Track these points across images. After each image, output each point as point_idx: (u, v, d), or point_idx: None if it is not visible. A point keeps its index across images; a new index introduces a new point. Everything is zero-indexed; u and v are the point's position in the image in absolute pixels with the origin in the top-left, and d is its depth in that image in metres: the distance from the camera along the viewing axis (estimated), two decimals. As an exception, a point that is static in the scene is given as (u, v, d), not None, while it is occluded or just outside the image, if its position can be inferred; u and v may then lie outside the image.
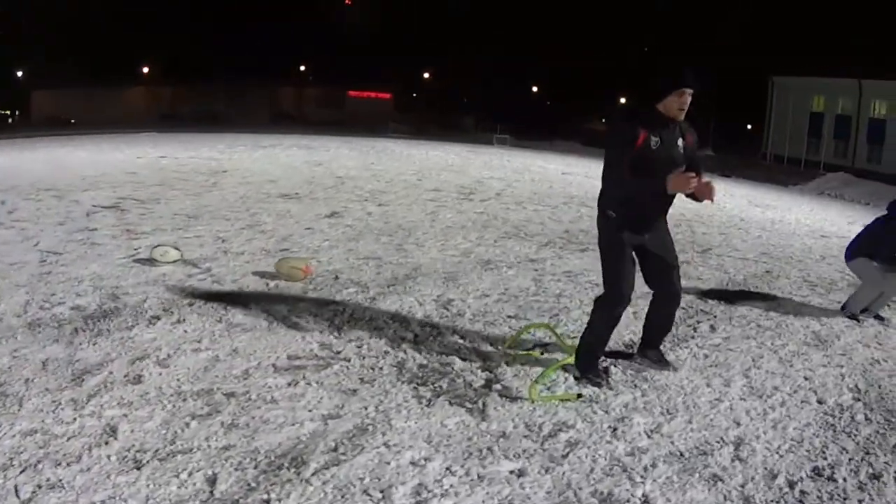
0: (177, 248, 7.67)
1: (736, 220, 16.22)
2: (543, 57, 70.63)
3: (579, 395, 4.79)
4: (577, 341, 5.39)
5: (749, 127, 59.89)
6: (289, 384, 4.62)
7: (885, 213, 7.58)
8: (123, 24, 63.75)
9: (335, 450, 3.79)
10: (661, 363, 5.56)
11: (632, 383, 5.26)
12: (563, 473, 3.81)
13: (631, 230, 4.99)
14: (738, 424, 4.71)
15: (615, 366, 5.50)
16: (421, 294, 7.16)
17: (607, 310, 5.08)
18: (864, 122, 47.60)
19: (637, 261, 5.14)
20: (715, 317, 7.31)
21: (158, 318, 5.74)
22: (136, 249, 8.00)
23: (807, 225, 17.27)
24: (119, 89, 66.48)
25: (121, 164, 17.03)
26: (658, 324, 5.51)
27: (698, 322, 7.08)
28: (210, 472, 3.48)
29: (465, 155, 29.30)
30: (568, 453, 4.02)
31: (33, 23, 58.98)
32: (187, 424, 3.94)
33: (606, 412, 4.63)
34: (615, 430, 4.38)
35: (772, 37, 55.87)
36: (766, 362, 5.98)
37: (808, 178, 40.24)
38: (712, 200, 4.85)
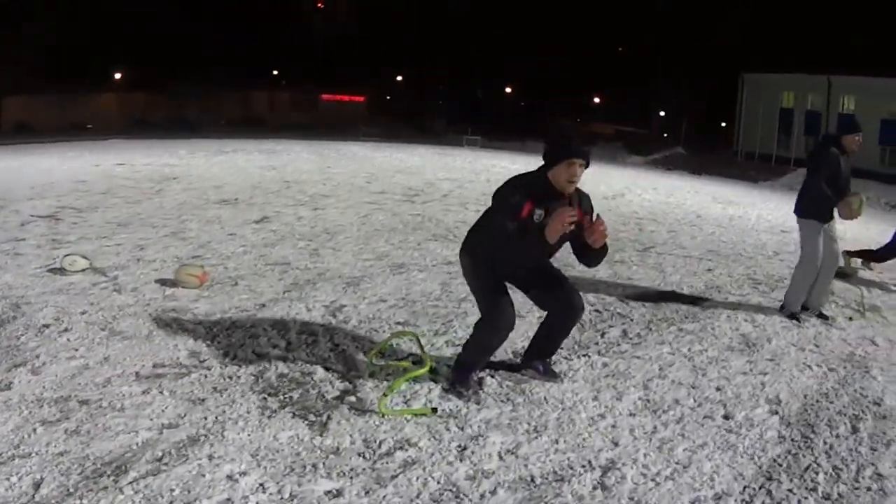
0: (85, 258, 7.46)
1: (692, 217, 15.73)
2: (516, 56, 70.03)
3: (434, 410, 4.42)
4: (449, 350, 5.21)
5: (724, 125, 59.48)
6: (143, 392, 4.49)
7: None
8: (96, 29, 62.81)
9: (160, 459, 3.69)
10: (548, 374, 5.06)
11: (504, 396, 4.77)
12: (384, 497, 3.51)
13: (501, 271, 4.71)
14: (616, 445, 4.18)
15: (493, 377, 5.02)
16: (314, 300, 6.87)
17: (486, 337, 4.71)
18: (834, 118, 47.05)
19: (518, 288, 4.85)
20: (631, 320, 6.85)
21: (48, 326, 5.60)
22: (53, 259, 7.72)
23: (767, 221, 16.89)
24: (92, 95, 65.67)
25: (75, 173, 16.46)
26: (551, 335, 5.05)
27: (609, 326, 6.60)
28: (38, 477, 3.46)
29: (429, 157, 28.85)
30: (398, 474, 3.71)
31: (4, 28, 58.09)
32: (34, 430, 3.90)
33: (461, 429, 4.27)
34: (464, 449, 4.01)
35: (741, 33, 55.63)
36: (674, 371, 5.48)
37: (779, 175, 39.95)
38: (597, 245, 4.51)
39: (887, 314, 7.88)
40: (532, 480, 3.71)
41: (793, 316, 7.25)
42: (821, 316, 7.38)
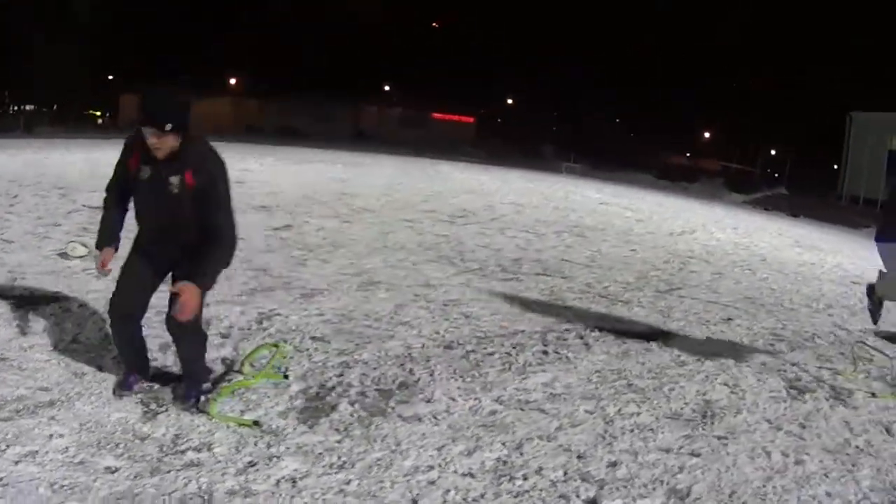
0: (85, 245, 8.03)
1: (755, 260, 14.76)
2: (628, 87, 68.86)
3: (257, 423, 4.32)
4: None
5: (836, 167, 56.92)
6: (46, 360, 5.04)
7: None
8: (213, 36, 64.67)
9: (18, 411, 4.22)
10: (181, 402, 4.49)
11: (346, 425, 4.67)
12: (144, 486, 3.68)
13: (148, 249, 4.47)
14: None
15: (353, 403, 4.99)
16: (254, 306, 6.94)
17: (111, 320, 4.52)
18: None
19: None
20: (575, 367, 6.21)
21: (25, 297, 6.32)
22: (66, 245, 8.35)
23: (844, 270, 15.61)
24: (206, 99, 67.60)
25: None
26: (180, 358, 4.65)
27: (541, 371, 6.01)
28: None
29: (514, 180, 28.55)
30: (172, 470, 3.86)
31: (126, 30, 60.43)
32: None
33: (268, 447, 4.21)
34: (251, 465, 3.97)
35: (849, 71, 53.17)
36: (573, 433, 4.81)
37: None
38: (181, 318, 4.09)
39: None
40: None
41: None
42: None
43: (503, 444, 4.56)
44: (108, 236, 4.40)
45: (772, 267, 14.32)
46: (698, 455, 4.64)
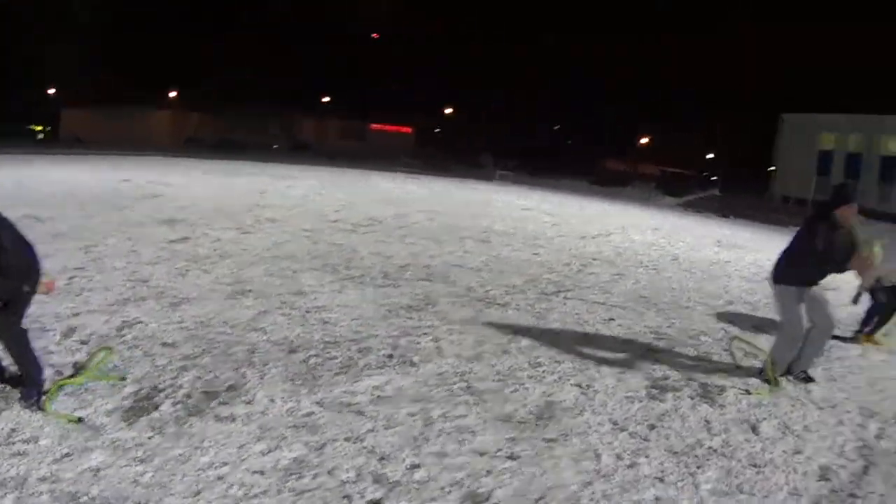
0: None
1: (664, 260, 14.69)
2: (566, 95, 69.21)
3: (80, 419, 4.57)
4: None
5: (771, 169, 57.58)
6: None
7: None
8: (153, 48, 64.28)
9: None
10: (24, 400, 4.80)
11: (170, 423, 4.79)
12: None
13: None
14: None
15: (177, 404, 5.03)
16: (118, 315, 6.95)
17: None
18: (877, 161, 44.83)
19: None
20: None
21: None
22: None
23: (760, 266, 15.48)
24: (147, 111, 67.27)
25: (72, 185, 17.38)
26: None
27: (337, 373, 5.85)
28: None
29: (439, 189, 28.50)
30: None
31: (66, 43, 59.75)
32: None
33: (86, 441, 4.38)
34: (60, 458, 4.15)
35: (781, 73, 54.04)
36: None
37: (816, 219, 37.65)
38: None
39: (815, 389, 6.64)
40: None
41: (768, 380, 6.63)
42: (805, 378, 6.77)
43: (306, 444, 4.55)
44: None
45: (681, 266, 14.33)
46: (516, 458, 4.55)
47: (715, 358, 7.48)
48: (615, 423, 5.35)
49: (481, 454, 4.54)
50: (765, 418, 5.87)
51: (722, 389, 6.42)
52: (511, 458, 4.54)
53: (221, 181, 22.62)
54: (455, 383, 5.82)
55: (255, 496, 3.89)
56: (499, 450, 4.64)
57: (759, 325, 9.24)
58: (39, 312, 5.53)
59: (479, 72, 73.26)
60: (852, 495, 4.57)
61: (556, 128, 78.04)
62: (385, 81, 73.22)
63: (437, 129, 79.64)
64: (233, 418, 4.79)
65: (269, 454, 4.35)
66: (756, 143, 57.19)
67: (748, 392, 6.47)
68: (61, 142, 53.80)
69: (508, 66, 72.92)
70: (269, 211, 15.82)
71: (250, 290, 8.37)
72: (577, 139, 77.13)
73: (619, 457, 4.75)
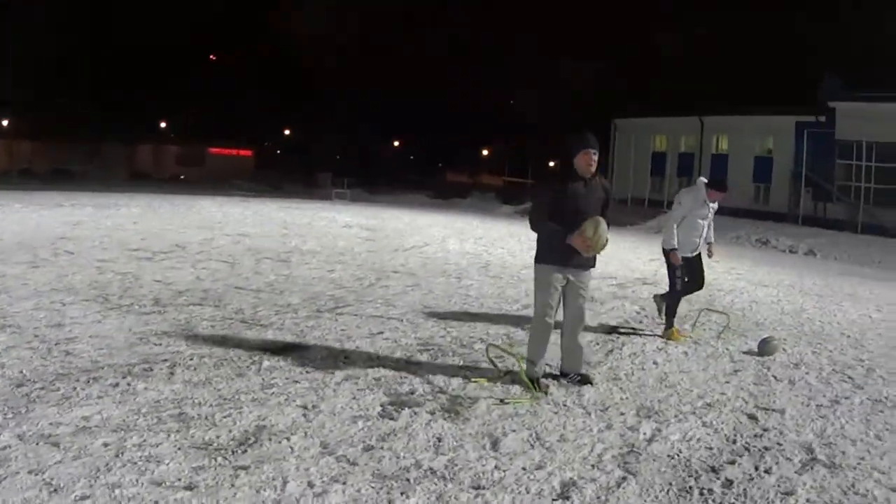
0: None
1: (475, 267, 14.57)
2: (405, 108, 69.48)
3: None
4: None
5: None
6: None
7: None
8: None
9: None
10: None
11: None
12: None
13: None
14: None
15: None
16: None
17: None
18: (707, 159, 46.74)
19: None
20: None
21: None
22: None
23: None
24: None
25: None
26: None
27: None
28: None
29: (262, 212, 27.28)
30: None
31: None
32: None
33: None
34: None
35: (612, 80, 56.11)
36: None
37: (648, 217, 38.81)
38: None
39: (589, 392, 6.35)
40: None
41: (534, 383, 6.05)
42: (581, 379, 6.38)
43: None
44: None
45: (489, 273, 14.02)
46: (193, 488, 4.11)
47: (484, 366, 6.88)
48: (325, 447, 4.80)
49: (158, 484, 4.13)
50: (514, 430, 5.27)
51: (474, 401, 5.82)
52: (188, 488, 4.11)
53: (38, 214, 20.88)
54: (167, 410, 5.29)
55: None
56: (178, 479, 4.21)
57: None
58: None
59: (319, 91, 72.80)
60: (594, 513, 3.99)
61: (395, 144, 78.04)
62: (223, 104, 71.87)
63: (278, 151, 78.64)
64: None
65: None
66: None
67: (503, 401, 5.85)
68: None
69: (349, 82, 72.70)
70: (73, 243, 14.55)
71: (9, 326, 7.60)
72: (422, 154, 77.44)
73: (310, 484, 4.23)
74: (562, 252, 6.02)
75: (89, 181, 46.10)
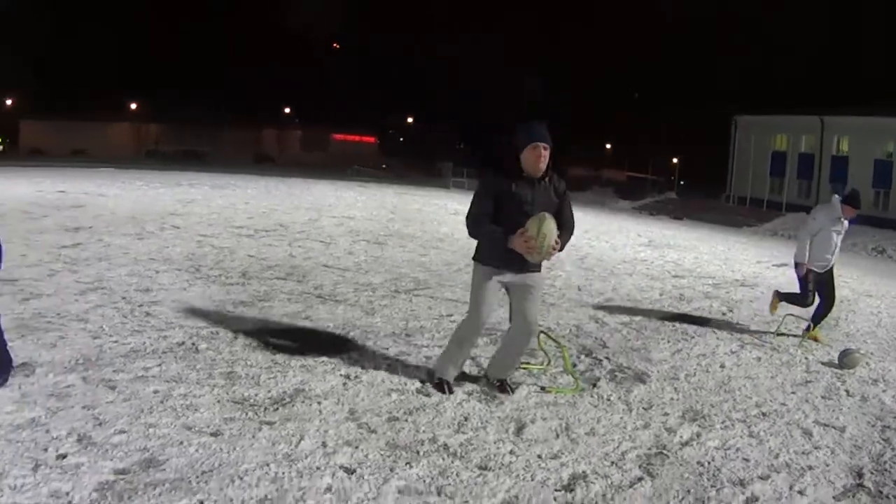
0: None
1: (571, 259, 14.28)
2: (533, 101, 69.18)
3: None
4: None
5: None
6: None
7: None
8: (113, 60, 64.05)
9: None
10: None
11: None
12: None
13: None
14: None
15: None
16: None
17: None
18: (828, 161, 44.84)
19: None
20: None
21: None
22: None
23: (678, 265, 15.72)
24: (107, 123, 66.96)
25: (2, 198, 16.71)
26: None
27: None
28: None
29: (376, 197, 27.94)
30: None
31: (23, 52, 59.53)
32: None
33: None
34: None
35: (734, 76, 54.43)
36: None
37: (767, 219, 37.60)
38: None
39: (637, 390, 6.25)
40: None
41: (439, 384, 5.57)
42: (501, 387, 5.66)
43: (47, 408, 4.70)
44: None
45: (583, 264, 14.02)
46: (217, 435, 4.51)
47: (538, 355, 6.83)
48: (352, 413, 5.00)
49: (188, 428, 4.50)
50: (544, 418, 5.23)
51: (516, 386, 5.82)
52: (213, 434, 4.45)
53: (156, 192, 21.99)
54: (219, 368, 5.70)
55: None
56: (207, 426, 4.55)
57: (629, 322, 9.02)
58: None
59: (443, 79, 73.10)
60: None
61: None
62: (348, 89, 72.92)
63: (401, 139, 79.40)
64: (4, 386, 4.89)
65: (12, 413, 4.47)
66: (714, 145, 57.14)
67: (544, 389, 5.86)
68: (20, 154, 53.25)
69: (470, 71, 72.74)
70: (180, 219, 15.31)
71: (102, 288, 8.19)
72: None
73: (323, 444, 4.46)
74: (501, 254, 5.19)
75: (214, 163, 48.17)
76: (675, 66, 63.29)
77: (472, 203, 5.26)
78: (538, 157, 5.09)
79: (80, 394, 4.88)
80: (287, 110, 76.16)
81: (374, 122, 73.57)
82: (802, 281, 8.80)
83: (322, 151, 72.51)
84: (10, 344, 5.38)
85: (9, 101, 65.11)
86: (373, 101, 71.08)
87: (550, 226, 5.01)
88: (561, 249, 5.19)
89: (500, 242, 5.10)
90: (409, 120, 77.78)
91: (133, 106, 69.82)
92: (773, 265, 17.79)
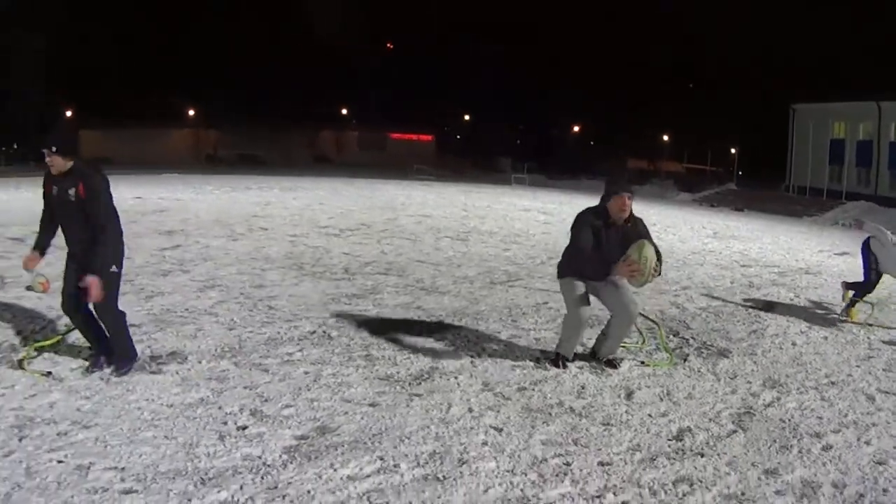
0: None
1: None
2: (586, 94, 69.12)
3: (48, 373, 5.30)
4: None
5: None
6: None
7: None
8: (169, 67, 64.87)
9: None
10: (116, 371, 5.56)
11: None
12: None
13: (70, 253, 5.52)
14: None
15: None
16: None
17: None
18: (886, 147, 44.30)
19: None
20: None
21: None
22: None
23: (744, 255, 16.31)
24: (166, 130, 67.86)
25: None
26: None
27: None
28: None
29: (444, 195, 28.85)
30: None
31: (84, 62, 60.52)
32: None
33: (32, 394, 5.04)
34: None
35: (789, 64, 53.51)
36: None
37: (827, 209, 37.49)
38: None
39: (723, 362, 7.00)
40: None
41: (557, 360, 6.43)
42: (609, 363, 6.47)
43: (211, 389, 5.39)
44: (34, 245, 5.41)
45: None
46: (375, 405, 5.27)
47: (635, 335, 7.66)
48: (486, 384, 5.83)
49: (347, 401, 5.22)
50: (648, 386, 6.12)
51: (619, 361, 6.71)
52: (371, 405, 5.18)
53: (230, 195, 23.09)
54: (356, 351, 6.46)
55: (159, 420, 4.68)
56: (364, 399, 5.29)
57: (707, 307, 9.74)
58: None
59: (496, 75, 73.22)
60: (700, 454, 4.81)
61: (575, 129, 77.80)
62: (403, 89, 73.30)
63: (458, 136, 79.73)
64: (162, 373, 5.54)
65: (180, 394, 5.12)
66: (770, 136, 56.62)
67: (643, 363, 6.76)
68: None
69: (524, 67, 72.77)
70: (265, 221, 16.25)
71: (218, 286, 9.00)
72: (602, 139, 76.80)
73: (470, 409, 5.24)
74: (587, 271, 6.14)
75: (273, 166, 49.39)
76: (733, 56, 62.63)
77: (573, 237, 6.11)
78: (623, 206, 5.93)
79: (236, 376, 5.54)
80: (344, 111, 76.66)
81: (431, 121, 73.89)
82: (867, 268, 9.46)
83: (379, 151, 72.95)
84: (151, 335, 6.35)
85: (69, 113, 66.29)
86: (429, 99, 71.35)
87: (650, 251, 5.77)
88: (659, 273, 5.92)
89: (588, 264, 6.05)
90: (466, 117, 78.01)
91: (191, 112, 70.65)
92: (835, 254, 18.35)
